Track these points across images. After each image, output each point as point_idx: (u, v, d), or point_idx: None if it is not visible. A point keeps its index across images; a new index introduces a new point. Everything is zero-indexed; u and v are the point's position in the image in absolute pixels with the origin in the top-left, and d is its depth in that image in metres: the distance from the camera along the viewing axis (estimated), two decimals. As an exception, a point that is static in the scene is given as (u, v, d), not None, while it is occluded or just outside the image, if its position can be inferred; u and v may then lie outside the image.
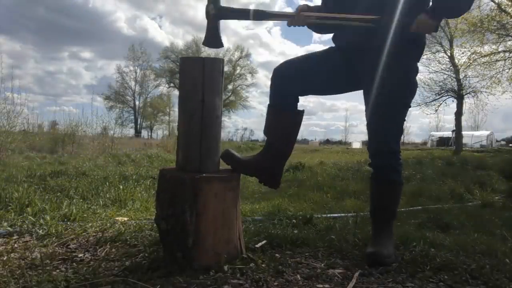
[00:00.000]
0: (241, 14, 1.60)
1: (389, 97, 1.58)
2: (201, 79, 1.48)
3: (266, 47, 73.67)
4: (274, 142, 1.69)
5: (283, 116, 1.69)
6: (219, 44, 1.63)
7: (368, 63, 1.60)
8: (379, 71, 1.56)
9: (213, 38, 1.60)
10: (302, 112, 1.72)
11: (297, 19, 1.61)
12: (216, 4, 1.55)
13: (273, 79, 1.71)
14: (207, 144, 1.49)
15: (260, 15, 1.59)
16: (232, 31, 64.57)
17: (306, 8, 1.66)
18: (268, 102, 1.74)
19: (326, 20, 1.62)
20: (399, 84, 1.58)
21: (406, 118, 1.68)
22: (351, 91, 1.80)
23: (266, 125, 1.73)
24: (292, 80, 1.68)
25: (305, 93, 1.77)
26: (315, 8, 1.76)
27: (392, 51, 1.54)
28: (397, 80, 1.57)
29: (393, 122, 1.63)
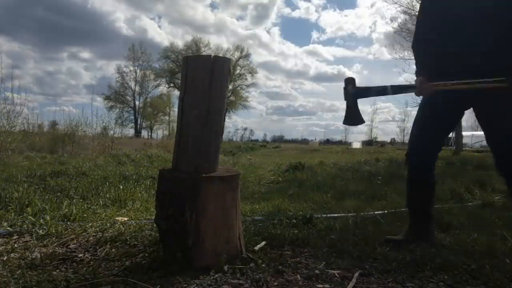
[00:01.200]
0: (379, 92, 1.72)
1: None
2: (209, 81, 1.46)
3: (265, 47, 73.86)
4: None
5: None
6: (360, 121, 1.75)
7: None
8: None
9: (354, 116, 1.71)
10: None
11: (424, 89, 1.73)
12: (353, 84, 1.68)
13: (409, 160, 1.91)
14: (208, 144, 1.49)
15: (397, 89, 1.71)
16: (231, 31, 64.65)
17: (425, 79, 1.75)
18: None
19: (454, 86, 1.66)
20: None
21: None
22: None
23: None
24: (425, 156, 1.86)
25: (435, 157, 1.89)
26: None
27: None
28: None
29: None
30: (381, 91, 1.70)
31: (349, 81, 1.70)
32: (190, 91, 1.49)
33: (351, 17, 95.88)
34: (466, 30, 1.67)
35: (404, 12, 14.78)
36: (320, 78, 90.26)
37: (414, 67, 1.85)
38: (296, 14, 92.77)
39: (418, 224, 1.87)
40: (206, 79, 1.46)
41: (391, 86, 1.70)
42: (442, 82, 1.68)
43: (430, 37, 1.79)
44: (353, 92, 1.68)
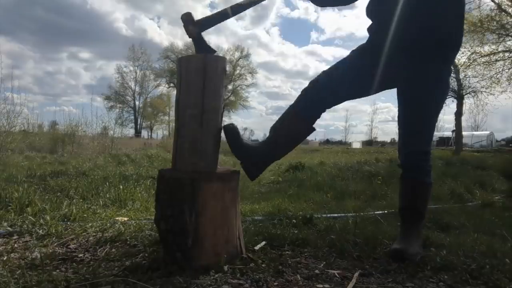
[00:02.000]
0: (221, 17, 1.61)
1: (425, 98, 1.62)
2: (202, 80, 1.46)
3: (264, 47, 73.89)
4: (278, 142, 1.72)
5: (301, 124, 1.72)
6: (211, 51, 1.64)
7: (406, 60, 1.60)
8: (416, 71, 1.59)
9: (203, 49, 1.61)
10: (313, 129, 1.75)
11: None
12: (192, 21, 1.56)
13: (308, 89, 1.73)
14: (205, 143, 1.49)
15: (238, 8, 1.60)
16: (231, 31, 64.76)
17: None
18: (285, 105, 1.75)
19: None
20: (435, 85, 1.61)
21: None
22: (383, 90, 1.78)
23: (280, 124, 1.74)
24: (324, 90, 1.69)
25: (337, 101, 1.76)
26: None
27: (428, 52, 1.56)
28: (433, 81, 1.60)
29: (428, 123, 1.67)
30: (224, 15, 1.59)
31: (188, 20, 1.54)
32: (184, 91, 1.50)
33: (350, 18, 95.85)
34: None
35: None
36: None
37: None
38: (295, 14, 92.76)
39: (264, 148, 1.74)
40: (199, 78, 1.46)
41: (232, 6, 1.59)
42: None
43: None
44: (197, 32, 1.55)
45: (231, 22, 71.54)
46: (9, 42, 55.43)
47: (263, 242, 1.75)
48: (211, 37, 64.46)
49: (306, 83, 1.80)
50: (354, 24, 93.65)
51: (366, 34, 1.89)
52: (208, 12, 70.81)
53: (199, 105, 1.46)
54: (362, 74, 1.68)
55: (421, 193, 1.71)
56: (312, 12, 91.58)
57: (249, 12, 77.19)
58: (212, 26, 1.61)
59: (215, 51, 1.64)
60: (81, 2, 66.52)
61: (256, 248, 1.68)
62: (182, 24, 1.56)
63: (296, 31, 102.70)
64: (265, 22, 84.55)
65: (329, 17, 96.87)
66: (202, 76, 1.46)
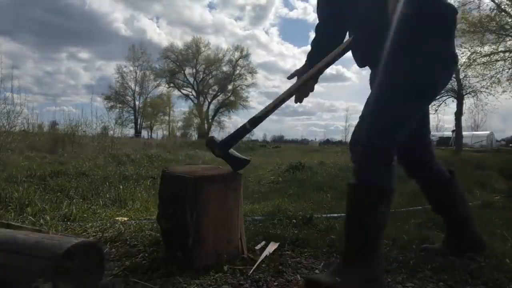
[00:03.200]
0: (241, 132, 1.57)
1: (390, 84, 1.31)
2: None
3: (264, 47, 73.62)
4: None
5: None
6: (245, 162, 1.60)
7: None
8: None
9: (236, 163, 1.58)
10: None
11: (302, 91, 1.62)
12: (216, 145, 1.54)
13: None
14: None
15: (256, 120, 1.53)
16: (230, 32, 64.63)
17: (299, 71, 1.66)
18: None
19: (319, 73, 1.63)
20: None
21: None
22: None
23: None
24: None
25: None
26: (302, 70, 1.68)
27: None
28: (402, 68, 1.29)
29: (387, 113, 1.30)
30: (244, 131, 1.55)
31: (211, 144, 1.55)
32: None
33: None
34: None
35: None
36: (319, 78, 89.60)
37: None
38: (294, 14, 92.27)
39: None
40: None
41: (250, 120, 1.53)
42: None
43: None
44: (223, 153, 1.54)
45: (230, 22, 71.45)
46: (8, 42, 55.37)
47: (263, 242, 1.75)
48: (210, 37, 64.55)
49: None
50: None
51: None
52: (206, 13, 70.80)
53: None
54: None
55: (360, 201, 1.50)
56: (310, 12, 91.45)
57: (247, 12, 77.24)
58: (235, 143, 1.59)
59: (247, 160, 1.61)
60: (80, 2, 66.32)
61: (257, 248, 1.68)
62: (208, 148, 1.58)
63: (295, 32, 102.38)
64: (264, 23, 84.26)
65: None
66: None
